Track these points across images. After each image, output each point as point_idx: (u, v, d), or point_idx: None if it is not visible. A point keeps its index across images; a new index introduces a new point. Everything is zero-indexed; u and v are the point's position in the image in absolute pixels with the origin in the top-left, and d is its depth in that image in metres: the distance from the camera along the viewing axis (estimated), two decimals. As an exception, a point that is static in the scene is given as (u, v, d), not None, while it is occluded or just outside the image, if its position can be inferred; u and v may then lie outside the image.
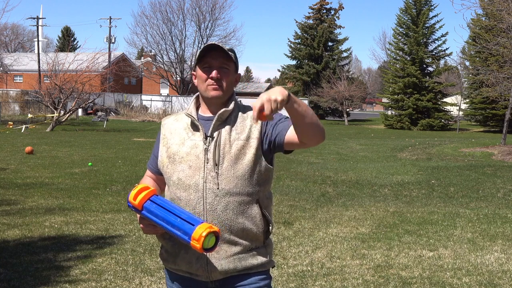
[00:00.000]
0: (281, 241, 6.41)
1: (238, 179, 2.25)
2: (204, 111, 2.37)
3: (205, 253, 2.16)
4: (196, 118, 2.34)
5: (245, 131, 2.30)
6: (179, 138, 2.34)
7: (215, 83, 2.28)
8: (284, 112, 2.17)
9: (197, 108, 2.40)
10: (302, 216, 7.90)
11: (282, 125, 2.29)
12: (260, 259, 2.32)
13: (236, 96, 2.45)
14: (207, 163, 2.26)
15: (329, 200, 9.42)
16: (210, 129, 2.30)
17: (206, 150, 2.28)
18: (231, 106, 2.33)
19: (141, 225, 2.29)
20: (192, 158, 2.29)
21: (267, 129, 2.31)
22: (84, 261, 5.52)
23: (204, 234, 2.06)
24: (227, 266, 2.26)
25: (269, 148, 2.31)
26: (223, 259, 2.26)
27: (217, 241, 2.12)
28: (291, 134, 2.23)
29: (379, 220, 7.69)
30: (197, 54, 2.32)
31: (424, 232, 7.02)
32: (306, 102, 47.35)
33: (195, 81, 2.39)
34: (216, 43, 2.30)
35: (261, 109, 1.97)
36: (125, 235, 6.63)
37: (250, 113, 2.35)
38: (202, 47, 2.32)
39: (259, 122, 2.29)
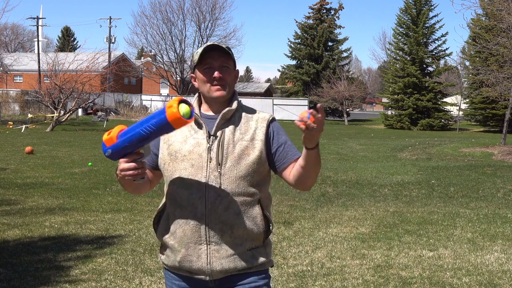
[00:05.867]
0: (281, 241, 6.41)
1: (241, 179, 2.25)
2: (207, 110, 2.37)
3: (187, 122, 2.03)
4: (199, 116, 2.33)
5: (249, 132, 2.31)
6: (181, 136, 2.33)
7: (218, 84, 2.29)
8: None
9: (199, 106, 2.40)
10: (302, 216, 7.90)
11: (291, 152, 2.34)
12: (260, 259, 2.33)
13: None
14: (210, 162, 2.26)
15: (329, 200, 9.42)
16: (214, 127, 2.30)
17: (209, 149, 2.27)
18: (235, 105, 2.33)
19: (124, 170, 2.15)
20: (194, 157, 2.28)
21: (273, 139, 2.33)
22: (84, 261, 5.52)
23: (176, 99, 2.02)
24: (228, 266, 2.26)
25: (269, 156, 2.34)
26: (224, 258, 2.26)
27: (193, 112, 2.06)
28: (289, 170, 2.31)
29: (379, 220, 7.69)
30: (196, 56, 2.30)
31: (424, 232, 7.02)
32: (306, 102, 47.70)
33: (195, 83, 2.38)
34: (214, 43, 2.29)
35: (305, 119, 2.04)
36: (125, 235, 6.63)
37: (255, 116, 2.36)
38: (200, 49, 2.31)
39: (263, 128, 2.32)
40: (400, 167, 13.61)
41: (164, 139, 2.37)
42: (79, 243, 6.24)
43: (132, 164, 2.15)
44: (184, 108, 2.03)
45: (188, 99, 2.14)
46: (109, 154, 2.16)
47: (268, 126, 2.34)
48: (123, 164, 2.17)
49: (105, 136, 2.15)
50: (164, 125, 2.03)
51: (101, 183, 10.56)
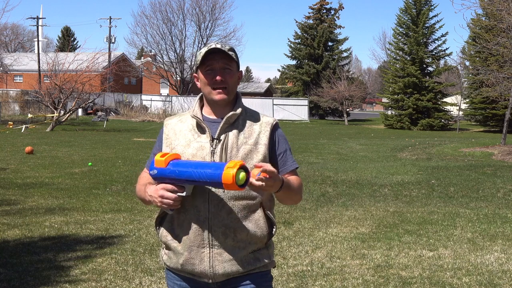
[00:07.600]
0: (281, 241, 6.41)
1: None
2: (209, 113, 2.36)
3: (239, 189, 2.06)
4: (202, 120, 2.32)
5: (253, 136, 2.30)
6: (184, 140, 2.32)
7: (219, 87, 2.28)
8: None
9: (201, 108, 2.39)
10: (302, 216, 7.90)
11: (289, 162, 2.36)
12: (262, 260, 2.33)
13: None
14: None
15: (329, 200, 9.42)
16: (217, 131, 2.29)
17: (212, 153, 2.27)
18: (239, 110, 2.32)
19: (163, 198, 2.16)
20: (198, 160, 2.27)
21: (276, 146, 2.34)
22: (84, 261, 5.52)
23: (238, 163, 2.04)
24: (230, 269, 2.26)
25: (271, 161, 2.34)
26: (227, 261, 2.26)
27: (247, 181, 2.07)
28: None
29: (379, 220, 7.69)
30: (199, 57, 2.30)
31: (424, 232, 7.02)
32: (306, 102, 47.67)
33: (198, 83, 2.38)
34: (217, 46, 2.27)
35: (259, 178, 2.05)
36: (125, 235, 6.63)
37: (258, 120, 2.36)
38: (203, 50, 2.29)
39: (267, 132, 2.33)
40: (400, 167, 13.61)
41: (166, 143, 2.37)
42: (79, 243, 6.24)
43: (173, 196, 2.17)
44: (241, 175, 2.05)
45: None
46: (153, 174, 2.21)
47: (272, 131, 2.34)
48: (164, 192, 2.17)
49: (158, 157, 2.19)
50: (216, 181, 2.07)
51: (101, 183, 10.56)
